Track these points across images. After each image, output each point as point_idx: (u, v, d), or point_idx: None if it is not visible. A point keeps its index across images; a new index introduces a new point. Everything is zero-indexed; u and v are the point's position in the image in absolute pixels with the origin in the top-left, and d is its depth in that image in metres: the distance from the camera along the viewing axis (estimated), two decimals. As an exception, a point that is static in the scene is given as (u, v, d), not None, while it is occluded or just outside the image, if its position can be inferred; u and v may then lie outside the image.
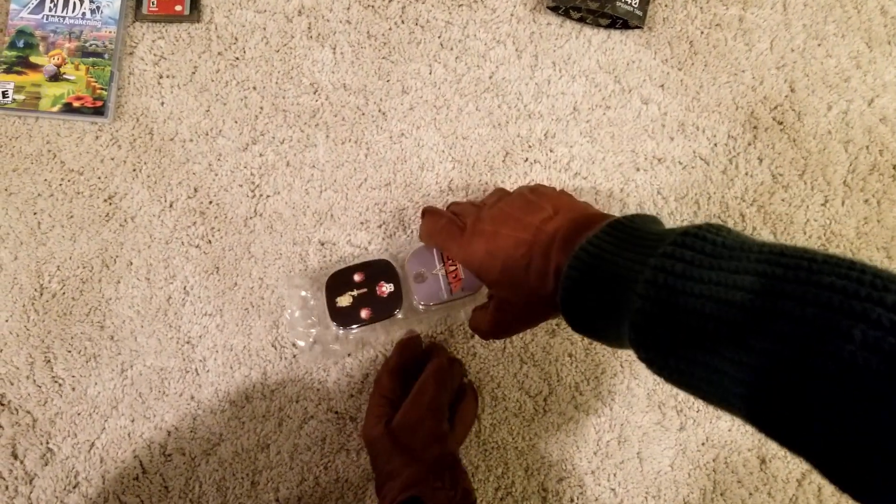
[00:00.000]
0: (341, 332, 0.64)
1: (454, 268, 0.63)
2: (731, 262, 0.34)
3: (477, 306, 0.58)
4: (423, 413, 0.59)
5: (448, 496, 0.54)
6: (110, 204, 0.68)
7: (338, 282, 0.64)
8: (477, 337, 0.67)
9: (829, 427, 0.28)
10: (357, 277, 0.64)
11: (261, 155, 0.69)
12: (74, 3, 0.70)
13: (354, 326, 0.63)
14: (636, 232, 0.41)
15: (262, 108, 0.69)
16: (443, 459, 0.57)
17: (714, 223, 0.37)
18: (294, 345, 0.67)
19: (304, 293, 0.65)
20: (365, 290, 0.63)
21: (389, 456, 0.57)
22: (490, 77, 0.70)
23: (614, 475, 0.66)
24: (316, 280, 0.65)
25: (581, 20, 0.70)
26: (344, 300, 0.63)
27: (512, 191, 0.55)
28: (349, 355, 0.67)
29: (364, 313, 0.63)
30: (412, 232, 0.68)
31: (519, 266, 0.47)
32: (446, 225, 0.55)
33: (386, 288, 0.63)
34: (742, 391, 0.31)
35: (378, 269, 0.64)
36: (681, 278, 0.34)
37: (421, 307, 0.63)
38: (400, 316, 0.63)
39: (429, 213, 0.58)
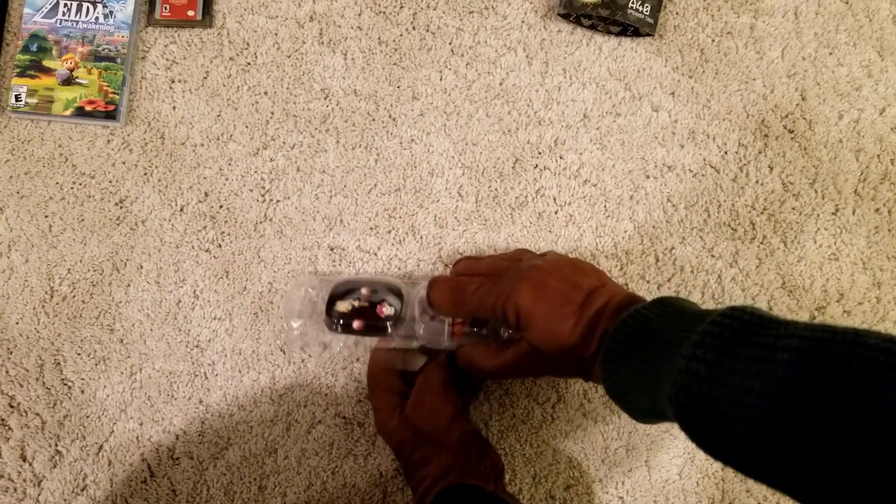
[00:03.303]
0: (331, 335, 0.63)
1: (461, 319, 0.62)
2: (769, 334, 0.36)
3: (474, 343, 0.58)
4: (436, 396, 0.59)
5: (481, 472, 0.56)
6: (121, 208, 0.68)
7: (345, 288, 0.64)
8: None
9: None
10: (364, 290, 0.63)
11: (271, 160, 0.69)
12: (87, 8, 0.70)
13: (341, 332, 0.62)
14: (682, 309, 0.43)
15: (272, 113, 0.70)
16: (465, 438, 0.58)
17: (754, 307, 0.39)
18: (286, 325, 0.65)
19: (311, 290, 0.65)
20: (366, 304, 0.63)
21: (413, 445, 0.58)
22: (500, 84, 0.70)
23: (622, 483, 0.66)
24: (326, 282, 0.65)
25: (592, 27, 0.70)
26: (343, 305, 0.63)
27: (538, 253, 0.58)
28: (357, 360, 0.67)
29: (356, 324, 0.62)
30: (421, 238, 0.68)
31: (565, 320, 0.49)
32: (474, 282, 0.56)
33: (387, 309, 0.62)
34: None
35: (387, 290, 0.63)
36: (719, 354, 0.36)
37: (415, 343, 0.63)
38: (394, 343, 0.63)
39: (443, 279, 0.59)
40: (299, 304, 0.64)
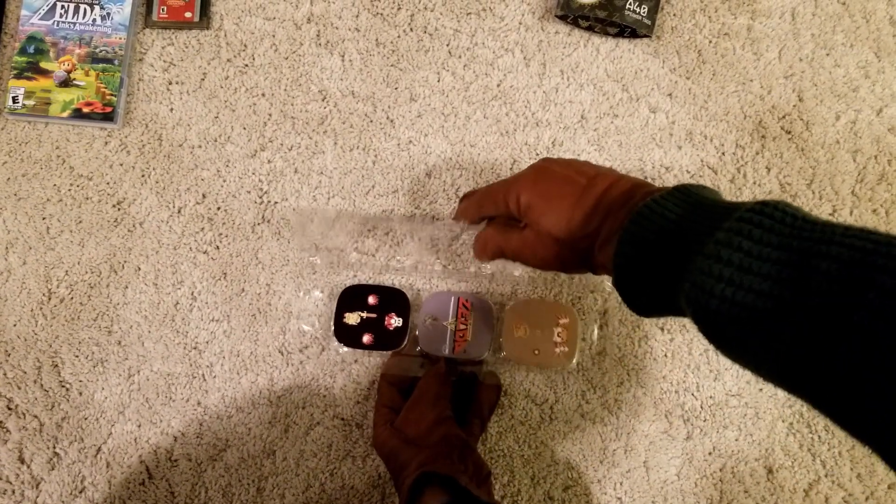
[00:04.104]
0: (342, 348, 0.65)
1: (464, 328, 0.64)
2: (804, 237, 0.32)
3: (490, 225, 0.56)
4: (424, 408, 0.60)
5: (458, 469, 0.55)
6: (119, 209, 0.68)
7: (351, 297, 0.65)
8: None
9: None
10: (371, 300, 0.65)
11: (269, 161, 0.69)
12: (85, 10, 0.70)
13: (352, 349, 0.65)
14: (705, 200, 0.39)
15: (270, 114, 0.70)
16: (448, 440, 0.57)
17: (784, 201, 0.35)
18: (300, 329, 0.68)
19: (318, 293, 0.67)
20: (374, 315, 0.65)
21: (398, 452, 0.58)
22: (498, 85, 0.70)
23: (620, 484, 0.66)
24: (330, 285, 0.67)
25: (589, 29, 0.70)
26: (352, 318, 0.65)
27: None
28: (355, 361, 0.67)
29: (366, 338, 0.64)
30: (419, 240, 0.68)
31: (565, 199, 0.46)
32: (489, 186, 0.54)
33: (395, 322, 0.64)
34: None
35: (393, 299, 0.65)
36: (746, 254, 0.32)
37: (418, 349, 0.65)
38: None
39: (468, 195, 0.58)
40: (306, 311, 0.67)
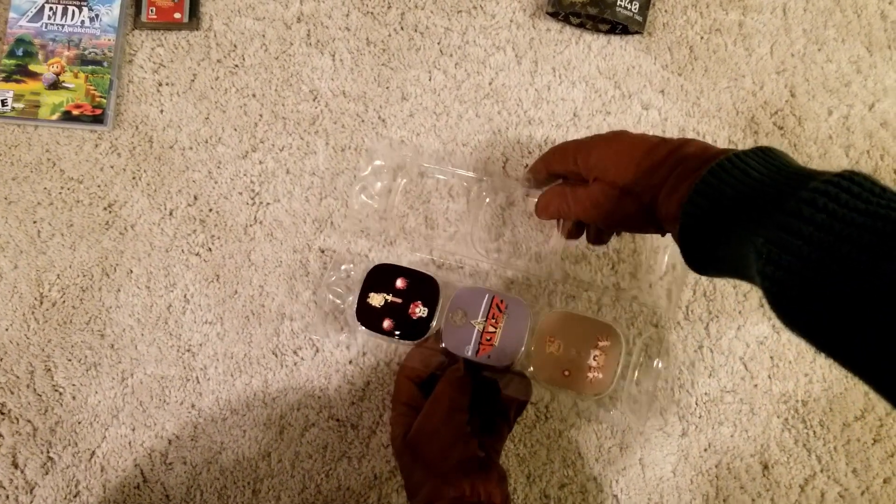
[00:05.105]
0: (360, 328, 0.62)
1: (493, 331, 0.59)
2: (893, 207, 0.31)
3: (549, 188, 0.54)
4: (439, 422, 0.56)
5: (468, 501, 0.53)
6: (110, 212, 0.68)
7: (380, 277, 0.62)
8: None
9: None
10: (399, 283, 0.62)
11: (260, 162, 0.69)
12: (73, 11, 0.70)
13: (370, 330, 0.61)
14: (788, 163, 0.39)
15: (261, 115, 0.69)
16: (462, 466, 0.54)
17: (868, 174, 0.34)
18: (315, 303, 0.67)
19: (346, 266, 0.65)
20: (400, 300, 0.61)
21: (411, 470, 0.56)
22: (490, 83, 0.70)
23: (616, 481, 0.66)
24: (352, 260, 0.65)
25: (581, 26, 0.70)
26: (376, 299, 0.61)
27: None
28: (349, 362, 0.67)
29: (387, 323, 0.61)
30: (413, 239, 0.68)
31: (635, 151, 0.46)
32: (560, 144, 0.54)
33: (419, 311, 0.61)
34: None
35: (422, 286, 0.61)
36: (830, 215, 0.32)
37: (441, 345, 0.61)
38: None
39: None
40: (334, 279, 0.64)
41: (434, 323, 0.61)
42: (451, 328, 0.60)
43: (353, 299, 0.63)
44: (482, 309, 0.60)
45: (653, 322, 0.66)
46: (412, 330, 0.61)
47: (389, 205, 0.67)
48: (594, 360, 0.59)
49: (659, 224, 0.46)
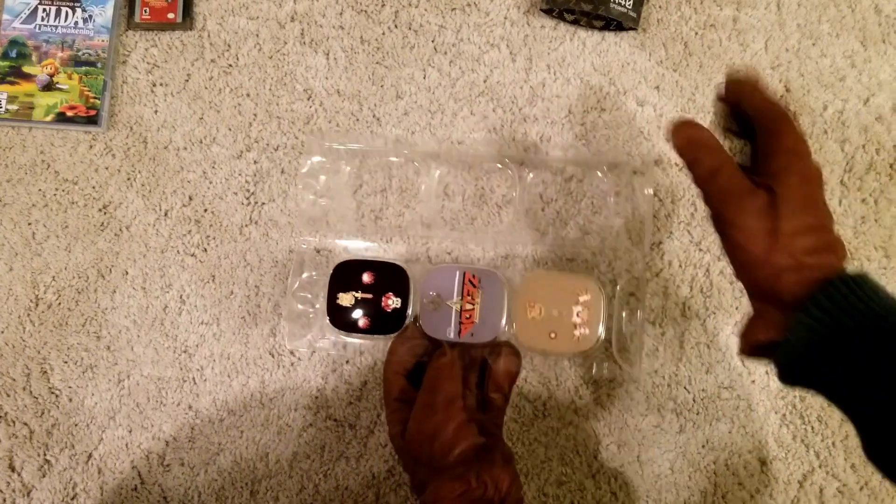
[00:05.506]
0: (335, 334, 0.61)
1: (471, 307, 0.58)
2: None
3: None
4: (435, 415, 0.54)
5: (477, 497, 0.51)
6: (105, 213, 0.68)
7: (344, 274, 0.60)
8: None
9: None
10: (366, 278, 0.59)
11: (255, 162, 0.69)
12: (67, 13, 0.70)
13: (347, 332, 0.60)
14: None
15: (255, 115, 0.69)
16: (465, 456, 0.53)
17: None
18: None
19: (309, 274, 0.63)
20: (370, 295, 0.59)
21: (414, 466, 0.55)
22: (484, 81, 0.70)
23: (614, 479, 0.66)
24: (318, 265, 0.64)
25: (575, 22, 0.70)
26: (346, 299, 0.59)
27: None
28: (347, 362, 0.67)
29: (362, 322, 0.59)
30: (409, 238, 0.68)
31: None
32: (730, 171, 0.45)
33: (392, 302, 0.59)
34: None
35: (390, 276, 0.59)
36: None
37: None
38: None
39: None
40: (298, 285, 0.63)
41: (409, 311, 0.59)
42: (427, 313, 0.58)
43: (320, 305, 0.60)
44: (455, 287, 0.59)
45: (626, 268, 0.66)
46: (389, 323, 0.59)
47: (338, 197, 0.67)
48: (577, 316, 0.58)
49: (779, 293, 0.43)
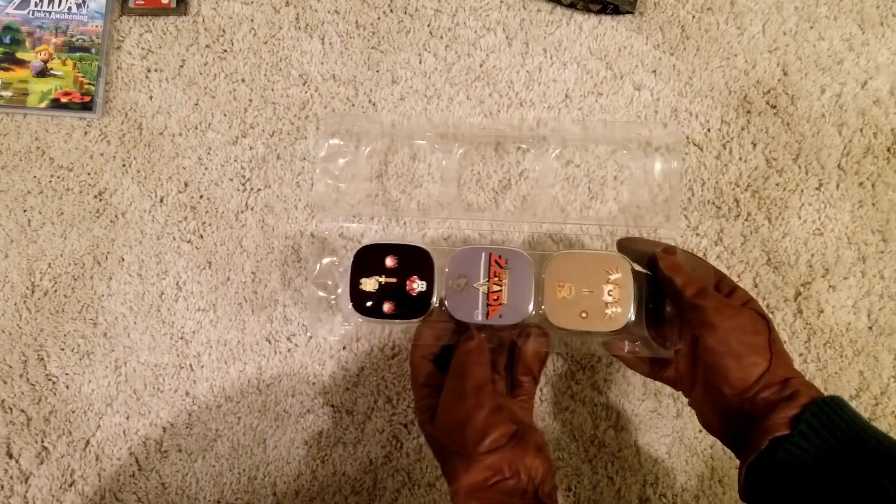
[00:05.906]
0: (359, 318, 0.59)
1: (499, 289, 0.57)
2: None
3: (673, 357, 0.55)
4: (464, 401, 0.52)
5: (510, 487, 0.50)
6: (100, 200, 0.68)
7: (367, 259, 0.58)
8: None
9: None
10: (389, 262, 0.58)
11: (251, 148, 0.68)
12: (60, -2, 0.69)
13: (371, 318, 0.58)
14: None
15: (251, 100, 0.69)
16: (497, 444, 0.51)
17: None
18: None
19: (328, 259, 0.61)
20: (394, 279, 0.58)
21: (445, 456, 0.53)
22: (481, 65, 0.69)
23: (611, 464, 0.66)
24: (334, 250, 0.63)
25: (571, 6, 0.70)
26: (369, 284, 0.58)
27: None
28: (343, 348, 0.66)
29: (387, 307, 0.57)
30: (405, 224, 0.67)
31: (750, 369, 0.49)
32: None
33: (417, 286, 0.57)
34: None
35: (413, 259, 0.58)
36: None
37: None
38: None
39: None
40: (318, 271, 0.61)
41: (435, 294, 0.58)
42: (454, 296, 0.57)
43: (343, 290, 0.59)
44: (482, 269, 0.57)
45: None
46: (415, 307, 0.58)
47: (357, 180, 0.66)
48: (609, 294, 0.56)
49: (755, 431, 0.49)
